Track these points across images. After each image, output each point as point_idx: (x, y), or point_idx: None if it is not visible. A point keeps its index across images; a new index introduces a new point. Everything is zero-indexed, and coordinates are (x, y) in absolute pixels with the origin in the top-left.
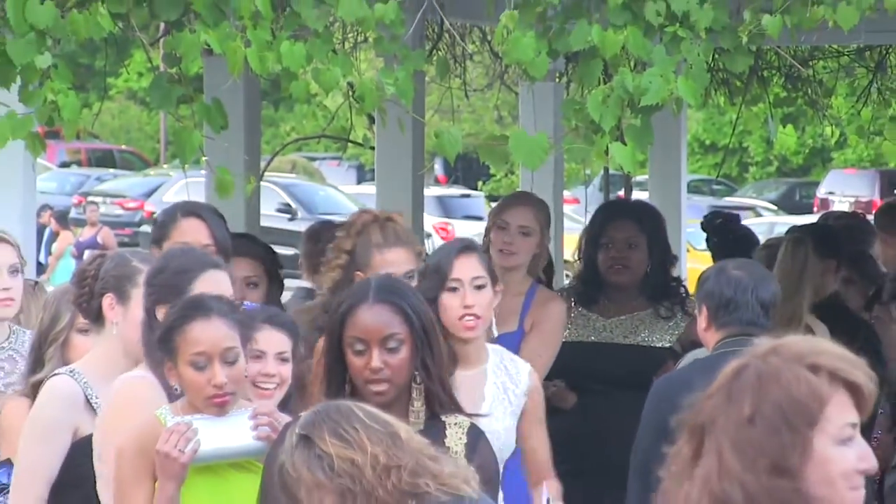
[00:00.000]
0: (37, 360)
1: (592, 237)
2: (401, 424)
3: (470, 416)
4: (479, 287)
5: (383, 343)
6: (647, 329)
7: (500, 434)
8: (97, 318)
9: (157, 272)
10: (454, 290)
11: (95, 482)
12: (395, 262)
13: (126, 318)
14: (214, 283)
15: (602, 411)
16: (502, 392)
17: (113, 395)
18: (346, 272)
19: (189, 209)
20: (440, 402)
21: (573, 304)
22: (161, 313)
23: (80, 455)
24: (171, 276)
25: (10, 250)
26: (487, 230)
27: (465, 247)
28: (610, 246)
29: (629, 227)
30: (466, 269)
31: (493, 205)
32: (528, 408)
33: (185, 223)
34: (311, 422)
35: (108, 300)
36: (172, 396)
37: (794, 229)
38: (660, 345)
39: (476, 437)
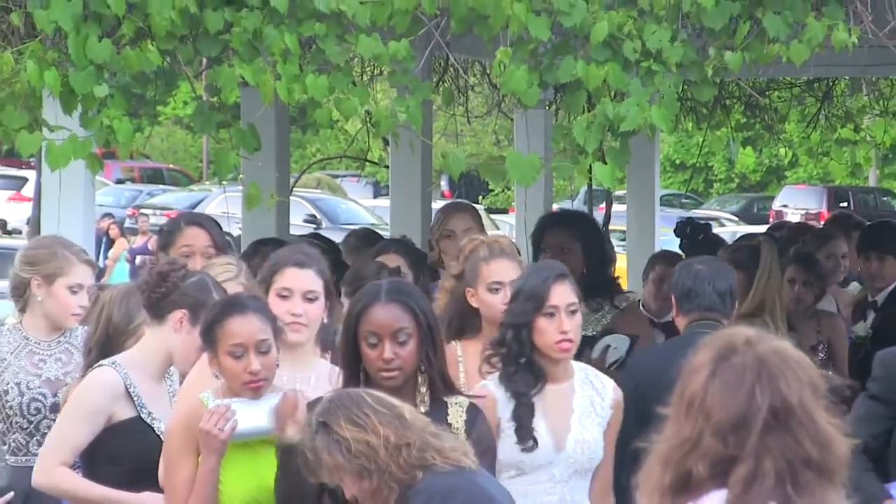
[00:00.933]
0: (103, 353)
1: (535, 244)
2: (405, 406)
3: (469, 396)
4: (573, 312)
5: (394, 336)
6: (583, 320)
7: (590, 443)
8: (159, 318)
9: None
10: (551, 315)
11: (126, 461)
12: (499, 271)
13: (190, 333)
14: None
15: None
16: (590, 405)
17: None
18: (455, 294)
19: (191, 219)
20: (442, 387)
21: None
22: (183, 318)
23: (115, 436)
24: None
25: (92, 272)
26: (436, 241)
27: (560, 274)
28: (546, 251)
29: (563, 234)
30: (562, 296)
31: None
32: (612, 420)
33: (188, 231)
34: (328, 409)
35: (180, 314)
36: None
37: (753, 235)
38: (588, 333)
39: (475, 415)
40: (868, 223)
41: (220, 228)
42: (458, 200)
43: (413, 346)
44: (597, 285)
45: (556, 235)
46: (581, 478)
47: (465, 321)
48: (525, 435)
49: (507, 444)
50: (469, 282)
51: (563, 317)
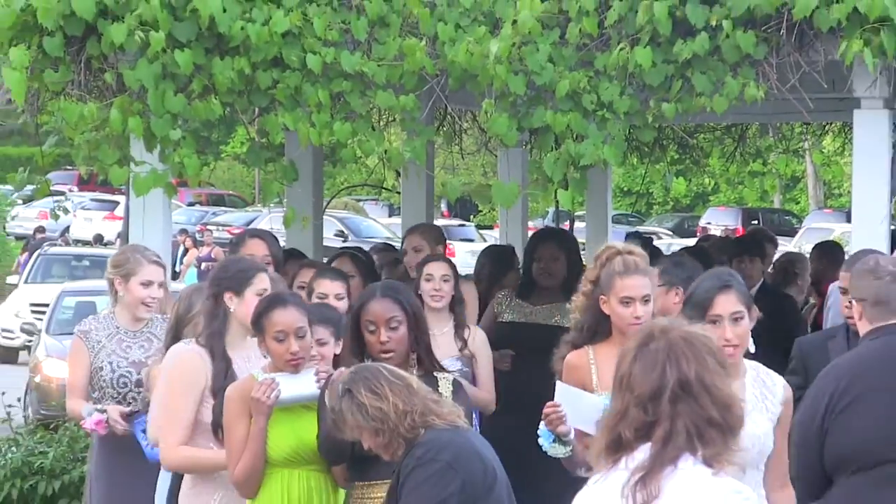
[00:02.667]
0: (175, 337)
1: (528, 253)
2: (413, 378)
3: (452, 373)
4: (737, 320)
5: (387, 324)
6: (559, 314)
7: (760, 437)
8: None
9: (223, 271)
10: (715, 322)
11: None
12: (632, 287)
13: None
14: (263, 281)
15: (528, 369)
16: (760, 401)
17: (174, 356)
18: (590, 298)
19: (254, 233)
20: (428, 363)
21: (514, 296)
22: (227, 297)
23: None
24: (235, 273)
25: (162, 271)
26: (404, 253)
27: (725, 284)
28: (539, 260)
29: (553, 247)
30: (726, 304)
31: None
32: (782, 415)
33: (251, 242)
34: (352, 379)
35: (228, 294)
36: (212, 354)
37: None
38: (567, 325)
39: (458, 387)
40: (741, 234)
41: (277, 241)
42: (419, 223)
43: (403, 331)
44: (575, 287)
45: (548, 247)
46: (754, 469)
47: (598, 326)
48: None
49: None
50: (603, 290)
51: (727, 325)
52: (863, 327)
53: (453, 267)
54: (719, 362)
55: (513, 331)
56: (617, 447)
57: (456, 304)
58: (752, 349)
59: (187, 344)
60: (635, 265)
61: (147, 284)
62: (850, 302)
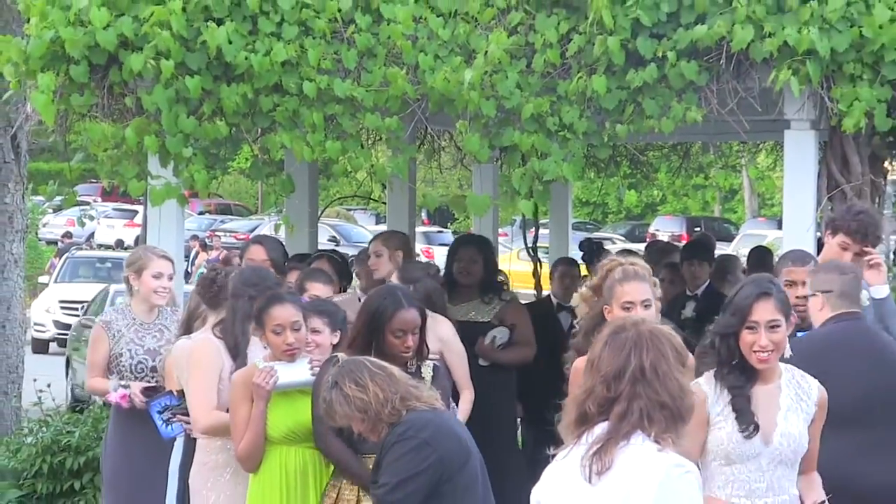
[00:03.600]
0: (186, 330)
1: (450, 255)
2: (394, 368)
3: (432, 360)
4: (774, 327)
5: (413, 331)
6: (475, 311)
7: (795, 437)
8: (214, 306)
9: (251, 276)
10: (752, 329)
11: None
12: (632, 292)
13: None
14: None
15: None
16: (796, 403)
17: (194, 343)
18: (589, 303)
19: (256, 239)
20: (422, 356)
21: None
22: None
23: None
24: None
25: (171, 265)
26: (367, 258)
27: (763, 292)
28: (460, 261)
29: (473, 251)
30: (763, 312)
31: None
32: (816, 416)
33: (253, 248)
34: (339, 372)
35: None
36: (229, 348)
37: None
38: (482, 319)
39: (437, 371)
40: (689, 240)
41: (278, 246)
42: (382, 231)
43: (419, 335)
44: (491, 287)
45: (468, 251)
46: (787, 467)
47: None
48: (746, 420)
49: (717, 436)
50: (606, 300)
51: (763, 332)
52: (823, 315)
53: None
54: (678, 358)
55: None
56: (583, 421)
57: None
58: (788, 354)
59: (204, 334)
60: (634, 272)
61: (158, 276)
62: (801, 295)
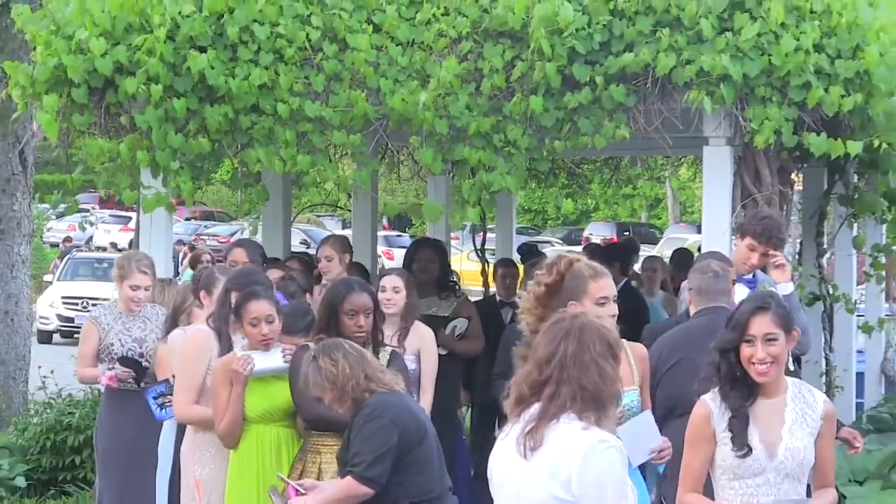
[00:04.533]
0: (173, 323)
1: (409, 256)
2: (365, 351)
3: (392, 347)
4: (771, 341)
5: (365, 312)
6: (434, 306)
7: (800, 450)
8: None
9: (239, 276)
10: (750, 342)
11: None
12: (606, 287)
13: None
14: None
15: None
16: (801, 416)
17: (189, 334)
18: (546, 308)
19: (238, 243)
20: (379, 342)
21: None
22: (233, 297)
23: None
24: (247, 281)
25: (148, 278)
26: (318, 261)
27: (760, 306)
28: (419, 261)
29: (430, 252)
30: (760, 326)
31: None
32: (823, 430)
33: (235, 251)
34: (319, 349)
35: (203, 293)
36: (220, 336)
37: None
38: (441, 314)
39: (394, 356)
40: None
41: (258, 248)
42: (330, 235)
43: (372, 318)
44: (446, 285)
45: (426, 252)
46: (794, 480)
47: None
48: (740, 443)
49: (723, 451)
50: (573, 296)
51: (760, 345)
52: (693, 309)
53: (407, 279)
54: (607, 349)
55: None
56: (520, 401)
57: (407, 312)
58: (791, 367)
59: (192, 327)
60: (602, 269)
61: (135, 288)
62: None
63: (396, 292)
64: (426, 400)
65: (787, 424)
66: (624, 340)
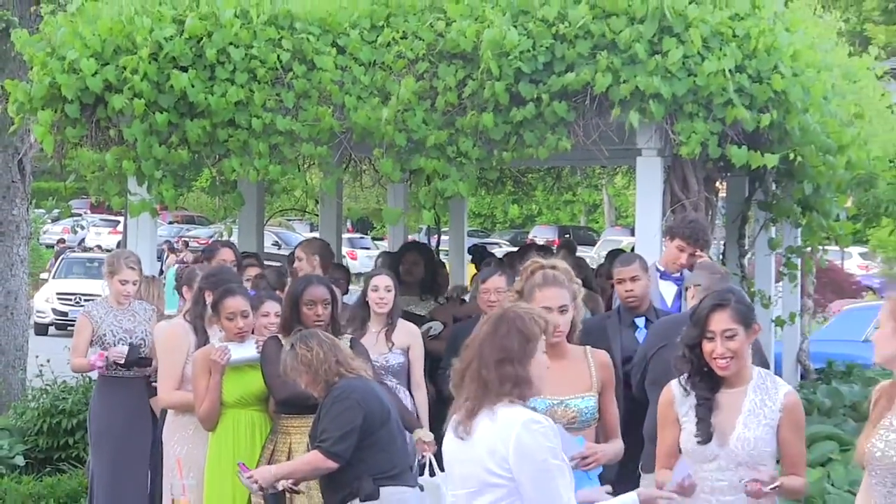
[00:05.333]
0: (159, 316)
1: (395, 258)
2: (338, 340)
3: (350, 335)
4: (730, 337)
5: (322, 303)
6: (413, 304)
7: (751, 441)
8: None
9: (210, 276)
10: (710, 338)
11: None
12: (550, 298)
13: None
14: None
15: None
16: (759, 407)
17: (168, 327)
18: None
19: (224, 243)
20: (336, 330)
21: None
22: (208, 295)
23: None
24: (219, 280)
25: (136, 273)
26: (291, 262)
27: (718, 304)
28: (405, 263)
29: (416, 255)
30: (719, 322)
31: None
32: (783, 421)
33: (223, 250)
34: (297, 338)
35: (185, 288)
36: (195, 330)
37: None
38: (420, 313)
39: (354, 343)
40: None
41: (237, 249)
42: (305, 239)
43: (330, 308)
44: (430, 287)
45: (412, 255)
46: (748, 469)
47: None
48: (703, 430)
49: (683, 435)
50: (526, 300)
51: (719, 340)
52: (693, 302)
53: (395, 278)
54: (526, 339)
55: None
56: (456, 387)
57: (392, 312)
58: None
59: (173, 321)
60: (553, 278)
61: (124, 283)
62: (637, 289)
63: (388, 291)
64: (421, 396)
65: (743, 415)
66: (588, 347)
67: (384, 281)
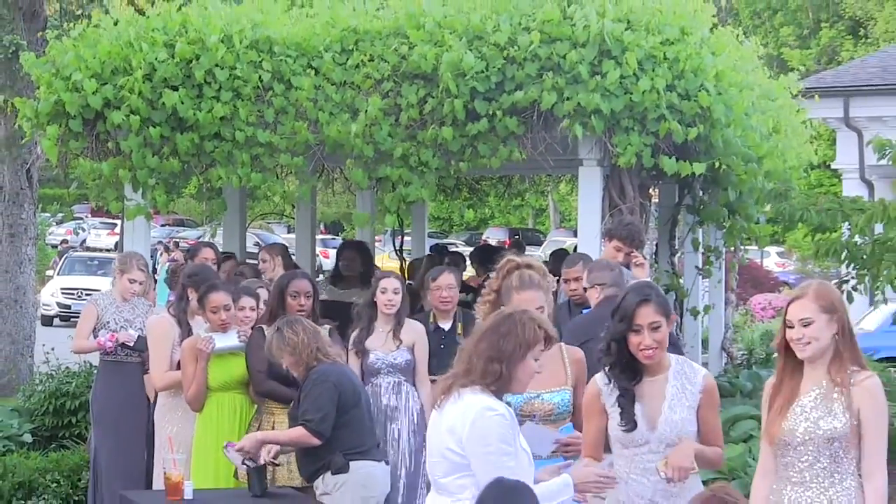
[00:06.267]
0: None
1: (337, 255)
2: (321, 329)
3: (331, 325)
4: (656, 328)
5: (305, 294)
6: (356, 295)
7: (678, 422)
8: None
9: (193, 274)
10: (637, 331)
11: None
12: (527, 300)
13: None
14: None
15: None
16: (681, 391)
17: (157, 320)
18: (494, 305)
19: (206, 244)
20: (316, 319)
21: (328, 283)
22: (190, 292)
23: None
24: (199, 279)
25: (144, 274)
26: (259, 262)
27: (643, 299)
28: (344, 259)
29: (352, 252)
30: (645, 316)
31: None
32: (702, 402)
33: (204, 250)
34: (284, 322)
35: (191, 289)
36: (179, 322)
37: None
38: (361, 301)
39: (332, 332)
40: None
41: (218, 249)
42: (270, 242)
43: (312, 299)
44: (367, 279)
45: (350, 252)
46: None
47: None
48: (627, 418)
49: (612, 424)
50: (503, 300)
51: (646, 332)
52: (595, 301)
53: (403, 282)
54: (521, 345)
55: (325, 306)
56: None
57: (400, 311)
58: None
59: (160, 315)
60: (530, 279)
61: (132, 281)
62: (580, 287)
63: (396, 293)
64: (426, 391)
65: (668, 400)
66: (562, 344)
67: (393, 283)
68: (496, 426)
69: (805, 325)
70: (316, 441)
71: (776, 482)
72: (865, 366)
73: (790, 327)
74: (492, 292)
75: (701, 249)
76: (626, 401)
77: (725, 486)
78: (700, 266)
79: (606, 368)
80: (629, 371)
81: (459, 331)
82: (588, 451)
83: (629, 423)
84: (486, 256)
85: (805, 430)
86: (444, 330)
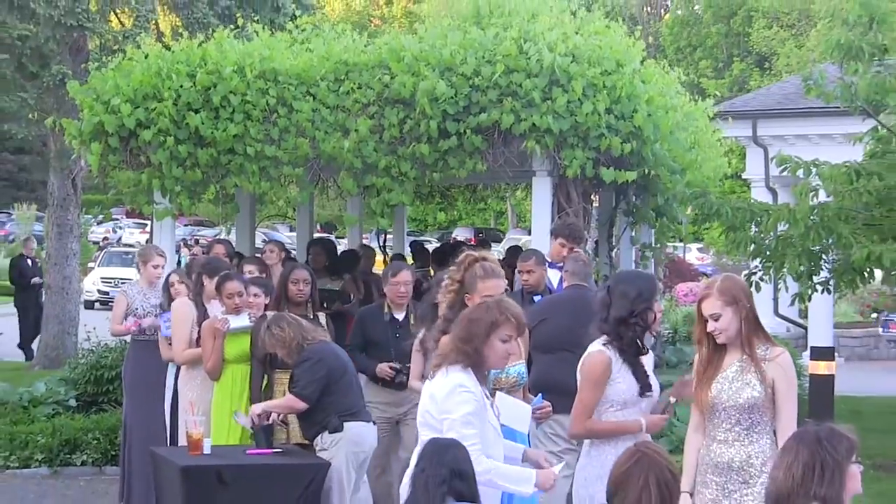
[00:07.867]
0: (169, 298)
1: (307, 250)
2: (302, 320)
3: (328, 311)
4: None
5: (304, 281)
6: (328, 283)
7: (657, 390)
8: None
9: (206, 265)
10: (650, 308)
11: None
12: (491, 288)
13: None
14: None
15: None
16: (653, 366)
17: (179, 304)
18: (458, 295)
19: (219, 241)
20: (316, 307)
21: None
22: (205, 279)
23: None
24: (211, 268)
25: (164, 259)
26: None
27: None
28: (312, 254)
29: (318, 248)
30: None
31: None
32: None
33: (217, 246)
34: (271, 320)
35: (206, 277)
36: (196, 305)
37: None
38: (335, 288)
39: (327, 321)
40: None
41: (231, 245)
42: (271, 239)
43: (310, 287)
44: (335, 270)
45: (316, 248)
46: (656, 411)
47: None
48: (644, 385)
49: (617, 388)
50: (468, 290)
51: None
52: (565, 284)
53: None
54: (487, 325)
55: None
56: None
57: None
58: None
59: (181, 300)
60: (492, 270)
61: (155, 266)
62: (532, 278)
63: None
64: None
65: (652, 372)
66: None
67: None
68: (463, 402)
69: (716, 320)
70: (303, 404)
71: (705, 439)
72: (774, 343)
73: (706, 321)
74: (455, 283)
75: (637, 245)
76: (643, 372)
77: (649, 441)
78: (636, 260)
79: (613, 344)
80: (636, 349)
81: (412, 321)
82: (589, 415)
83: (647, 388)
84: (443, 257)
85: (728, 398)
86: (398, 320)
